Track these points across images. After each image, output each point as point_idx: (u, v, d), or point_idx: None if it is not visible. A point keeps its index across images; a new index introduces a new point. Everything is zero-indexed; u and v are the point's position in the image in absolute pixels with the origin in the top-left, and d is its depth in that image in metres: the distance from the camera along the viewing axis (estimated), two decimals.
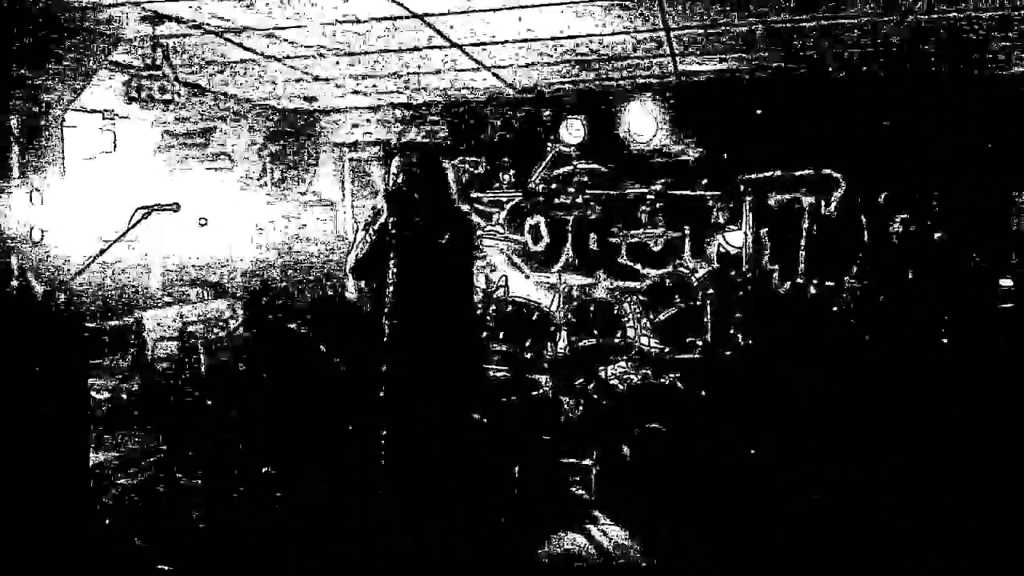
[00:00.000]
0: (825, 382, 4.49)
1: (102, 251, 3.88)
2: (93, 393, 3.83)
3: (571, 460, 4.72)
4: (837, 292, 5.31)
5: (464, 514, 3.67)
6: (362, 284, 3.82)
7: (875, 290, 5.59)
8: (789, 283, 5.78)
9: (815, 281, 5.46)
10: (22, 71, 4.25)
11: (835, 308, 5.24)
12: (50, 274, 3.97)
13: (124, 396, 3.96)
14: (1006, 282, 5.45)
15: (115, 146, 5.06)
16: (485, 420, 4.71)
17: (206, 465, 4.09)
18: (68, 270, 4.13)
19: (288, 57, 5.26)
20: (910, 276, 5.80)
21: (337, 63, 5.50)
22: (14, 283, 3.16)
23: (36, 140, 4.48)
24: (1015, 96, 5.92)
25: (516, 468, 4.48)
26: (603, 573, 3.65)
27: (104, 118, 5.12)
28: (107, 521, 3.62)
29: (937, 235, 5.86)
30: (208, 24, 4.41)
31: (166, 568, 3.35)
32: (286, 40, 4.80)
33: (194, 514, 3.82)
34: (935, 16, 4.47)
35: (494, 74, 5.89)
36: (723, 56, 5.44)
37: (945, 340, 5.39)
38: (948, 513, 3.87)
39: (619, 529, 4.01)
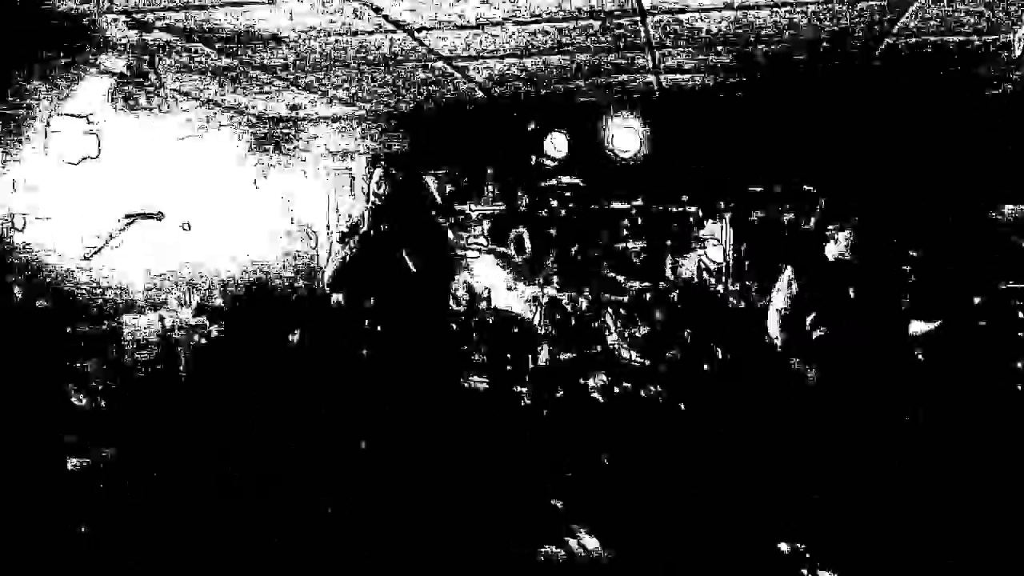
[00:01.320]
0: (803, 394, 4.54)
1: (86, 258, 3.89)
2: (72, 399, 3.83)
3: (551, 471, 4.74)
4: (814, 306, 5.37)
5: (444, 525, 3.68)
6: (339, 296, 3.84)
7: (852, 305, 5.67)
8: (768, 297, 5.85)
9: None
10: (5, 74, 4.26)
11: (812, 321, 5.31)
12: (32, 279, 3.97)
13: (104, 401, 3.96)
14: (978, 299, 5.55)
15: (99, 151, 5.05)
16: (465, 430, 4.73)
17: (185, 470, 4.08)
18: (51, 276, 4.12)
19: (274, 66, 5.29)
20: (886, 292, 5.89)
21: (321, 72, 5.53)
22: None
23: (18, 145, 4.48)
24: (995, 114, 6.04)
25: (496, 479, 4.49)
26: None
27: (89, 123, 5.12)
28: (82, 528, 3.60)
29: (913, 252, 5.95)
30: (196, 32, 4.44)
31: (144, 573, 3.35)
32: (272, 48, 4.84)
33: (173, 519, 3.81)
34: (915, 40, 4.58)
35: (479, 87, 5.95)
36: (706, 72, 5.52)
37: (920, 356, 5.48)
38: (932, 522, 3.92)
39: (599, 540, 4.03)
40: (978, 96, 5.96)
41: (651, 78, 5.66)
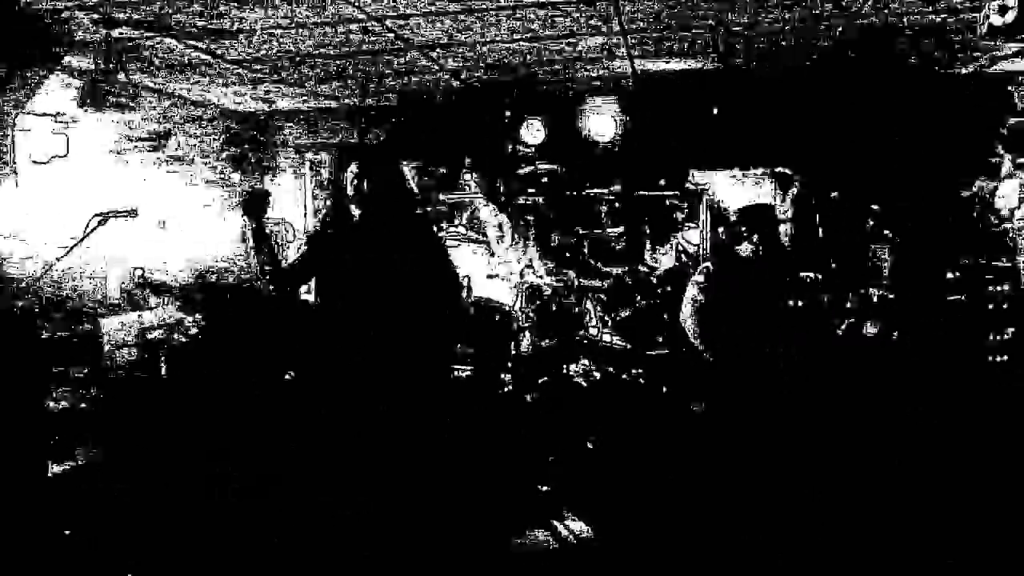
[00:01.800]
0: (782, 376, 4.61)
1: (59, 258, 3.84)
2: (51, 402, 3.79)
3: (535, 457, 4.78)
4: (793, 288, 5.44)
5: (429, 512, 3.69)
6: (306, 292, 3.78)
7: (829, 285, 5.75)
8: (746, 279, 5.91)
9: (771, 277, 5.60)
10: None
11: (791, 303, 5.37)
12: (4, 282, 3.91)
13: (83, 404, 3.92)
14: (951, 275, 5.66)
15: (68, 150, 4.98)
16: (449, 419, 4.74)
17: (167, 473, 4.06)
18: (23, 278, 4.06)
19: (245, 60, 5.24)
20: (862, 272, 5.98)
21: (293, 65, 5.48)
22: None
23: None
24: (967, 95, 6.12)
25: (481, 465, 4.52)
26: (568, 568, 3.71)
27: (57, 121, 5.04)
28: (67, 532, 3.58)
29: (888, 232, 6.05)
30: (163, 27, 4.38)
31: None
32: (243, 43, 4.79)
33: (156, 522, 3.80)
34: (888, 17, 4.62)
35: (453, 75, 5.92)
36: (680, 56, 5.54)
37: (896, 334, 5.58)
38: (921, 507, 3.99)
39: (583, 524, 4.07)
40: (946, 74, 6.03)
41: (626, 63, 5.66)
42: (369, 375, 3.63)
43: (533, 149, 6.78)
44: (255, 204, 3.71)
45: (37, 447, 3.33)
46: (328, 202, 7.41)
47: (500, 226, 6.86)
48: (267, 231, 3.72)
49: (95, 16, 4.11)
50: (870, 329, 5.52)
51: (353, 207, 3.68)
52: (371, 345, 3.62)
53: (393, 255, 3.66)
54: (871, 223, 6.09)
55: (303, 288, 4.28)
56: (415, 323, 3.66)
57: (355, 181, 3.67)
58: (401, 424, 3.66)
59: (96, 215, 4.14)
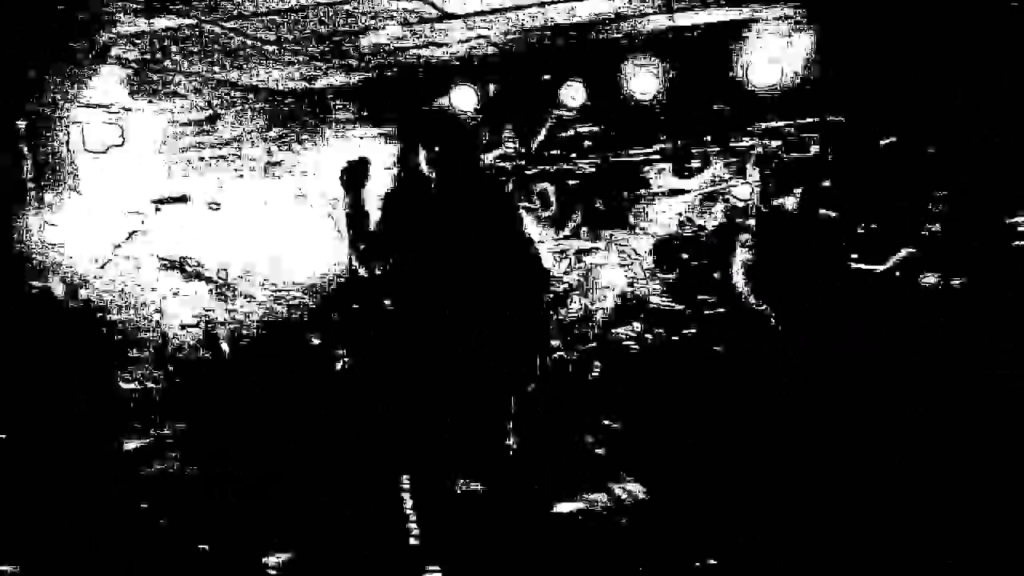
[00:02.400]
0: (832, 334, 4.53)
1: (118, 246, 3.99)
2: (121, 383, 3.95)
3: (586, 420, 4.80)
4: (844, 241, 5.31)
5: (479, 476, 3.72)
6: (378, 266, 3.74)
7: (883, 241, 5.58)
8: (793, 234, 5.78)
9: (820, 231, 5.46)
10: (28, 70, 4.31)
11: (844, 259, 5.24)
12: (69, 272, 4.07)
13: (150, 385, 4.08)
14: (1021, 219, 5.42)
15: (124, 139, 5.13)
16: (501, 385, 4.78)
17: (230, 450, 4.20)
18: (86, 267, 4.23)
19: (287, 40, 5.28)
20: (918, 220, 5.78)
21: (334, 40, 5.51)
22: (36, 284, 3.26)
23: (44, 137, 4.55)
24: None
25: (534, 431, 4.56)
26: (618, 531, 3.73)
27: (110, 112, 5.18)
28: (143, 505, 3.74)
29: (944, 177, 5.81)
30: (205, 15, 4.44)
31: (203, 547, 3.49)
32: (284, 24, 4.82)
33: (222, 497, 3.94)
34: None
35: (492, 41, 5.88)
36: (718, 6, 5.38)
37: (954, 282, 5.40)
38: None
39: (638, 487, 4.09)
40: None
41: (666, 17, 5.53)
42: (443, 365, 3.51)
43: (574, 111, 6.69)
44: (354, 175, 3.49)
45: (110, 426, 3.49)
46: (392, 178, 7.43)
47: (545, 192, 6.83)
48: (365, 206, 3.47)
49: (136, 6, 4.19)
50: (928, 279, 5.36)
51: (424, 173, 3.46)
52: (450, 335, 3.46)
53: (472, 237, 3.42)
54: (926, 168, 5.86)
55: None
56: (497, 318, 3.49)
57: (415, 152, 3.50)
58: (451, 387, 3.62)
59: (151, 202, 4.28)
